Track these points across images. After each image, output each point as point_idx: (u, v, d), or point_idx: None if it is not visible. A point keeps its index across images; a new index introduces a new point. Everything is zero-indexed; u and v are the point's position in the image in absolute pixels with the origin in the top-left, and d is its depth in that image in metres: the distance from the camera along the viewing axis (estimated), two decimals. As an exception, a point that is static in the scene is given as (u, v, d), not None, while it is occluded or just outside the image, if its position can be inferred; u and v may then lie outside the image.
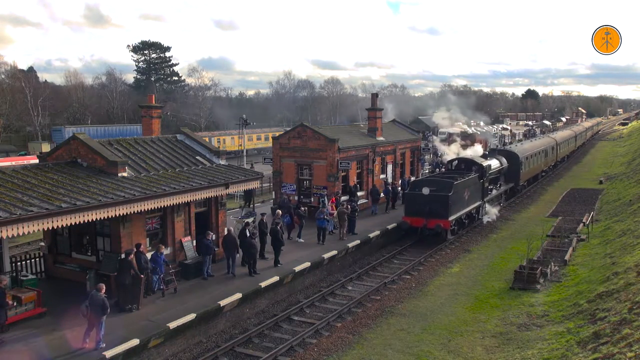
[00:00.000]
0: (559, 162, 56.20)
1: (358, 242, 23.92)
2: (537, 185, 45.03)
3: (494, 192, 33.56)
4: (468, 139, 45.82)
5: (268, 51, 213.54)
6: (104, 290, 13.80)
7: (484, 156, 34.18)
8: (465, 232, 28.82)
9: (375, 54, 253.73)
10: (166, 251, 18.18)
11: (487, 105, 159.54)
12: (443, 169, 35.78)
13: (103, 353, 13.00)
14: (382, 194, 31.35)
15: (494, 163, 33.69)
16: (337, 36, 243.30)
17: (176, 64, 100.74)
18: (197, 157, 21.00)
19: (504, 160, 36.06)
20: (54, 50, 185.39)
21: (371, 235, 25.05)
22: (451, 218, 25.70)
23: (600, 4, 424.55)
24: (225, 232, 20.26)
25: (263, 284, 18.26)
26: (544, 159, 46.91)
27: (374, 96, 35.44)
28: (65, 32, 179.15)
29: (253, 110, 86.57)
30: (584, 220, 28.83)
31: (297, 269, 19.91)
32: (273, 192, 32.35)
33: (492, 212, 31.95)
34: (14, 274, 16.36)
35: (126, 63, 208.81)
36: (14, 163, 27.24)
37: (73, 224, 14.25)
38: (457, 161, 32.57)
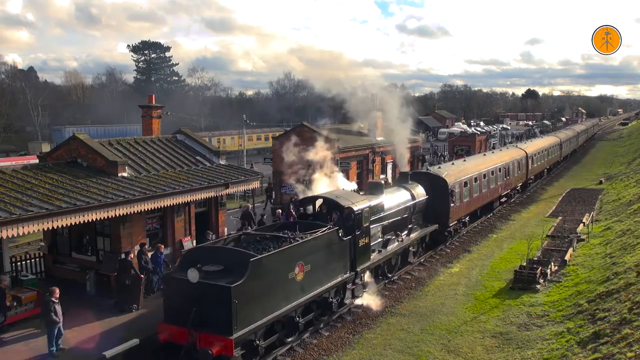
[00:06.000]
0: (531, 180, 42.30)
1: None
2: (497, 213, 32.45)
3: (393, 246, 19.77)
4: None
5: (262, 51, 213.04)
6: (56, 295, 13.06)
7: (386, 185, 21.76)
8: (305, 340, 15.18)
9: (369, 54, 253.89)
10: (166, 251, 18.20)
11: (487, 105, 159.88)
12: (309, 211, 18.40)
13: (103, 353, 13.01)
14: None
15: (393, 199, 20.70)
16: (328, 35, 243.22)
17: (176, 64, 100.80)
18: (197, 157, 21.00)
19: (420, 190, 22.95)
20: (50, 50, 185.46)
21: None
22: (242, 332, 12.22)
23: (594, 4, 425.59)
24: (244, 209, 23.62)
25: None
26: (502, 180, 32.69)
27: (374, 96, 35.44)
28: (59, 33, 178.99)
29: (253, 110, 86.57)
30: (584, 220, 28.81)
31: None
32: (273, 192, 32.38)
33: (375, 286, 18.78)
34: (14, 274, 16.39)
35: (123, 63, 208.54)
36: (14, 163, 27.20)
37: (73, 224, 14.27)
38: (322, 200, 17.83)
